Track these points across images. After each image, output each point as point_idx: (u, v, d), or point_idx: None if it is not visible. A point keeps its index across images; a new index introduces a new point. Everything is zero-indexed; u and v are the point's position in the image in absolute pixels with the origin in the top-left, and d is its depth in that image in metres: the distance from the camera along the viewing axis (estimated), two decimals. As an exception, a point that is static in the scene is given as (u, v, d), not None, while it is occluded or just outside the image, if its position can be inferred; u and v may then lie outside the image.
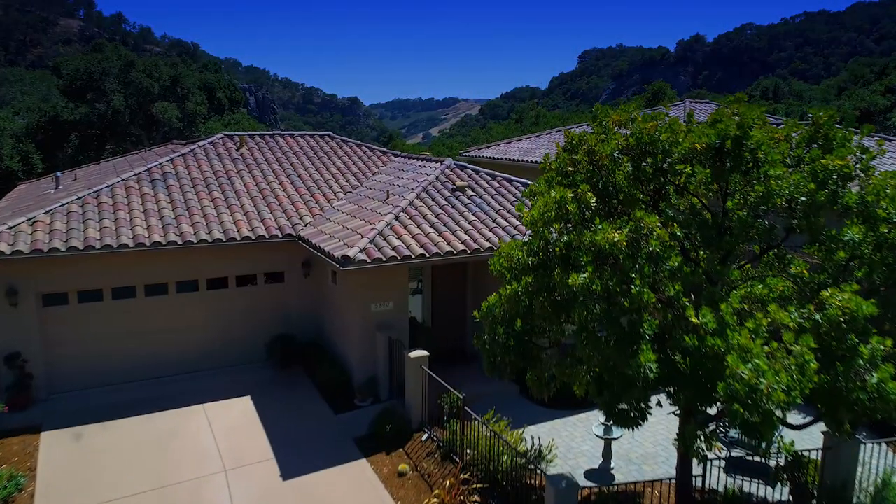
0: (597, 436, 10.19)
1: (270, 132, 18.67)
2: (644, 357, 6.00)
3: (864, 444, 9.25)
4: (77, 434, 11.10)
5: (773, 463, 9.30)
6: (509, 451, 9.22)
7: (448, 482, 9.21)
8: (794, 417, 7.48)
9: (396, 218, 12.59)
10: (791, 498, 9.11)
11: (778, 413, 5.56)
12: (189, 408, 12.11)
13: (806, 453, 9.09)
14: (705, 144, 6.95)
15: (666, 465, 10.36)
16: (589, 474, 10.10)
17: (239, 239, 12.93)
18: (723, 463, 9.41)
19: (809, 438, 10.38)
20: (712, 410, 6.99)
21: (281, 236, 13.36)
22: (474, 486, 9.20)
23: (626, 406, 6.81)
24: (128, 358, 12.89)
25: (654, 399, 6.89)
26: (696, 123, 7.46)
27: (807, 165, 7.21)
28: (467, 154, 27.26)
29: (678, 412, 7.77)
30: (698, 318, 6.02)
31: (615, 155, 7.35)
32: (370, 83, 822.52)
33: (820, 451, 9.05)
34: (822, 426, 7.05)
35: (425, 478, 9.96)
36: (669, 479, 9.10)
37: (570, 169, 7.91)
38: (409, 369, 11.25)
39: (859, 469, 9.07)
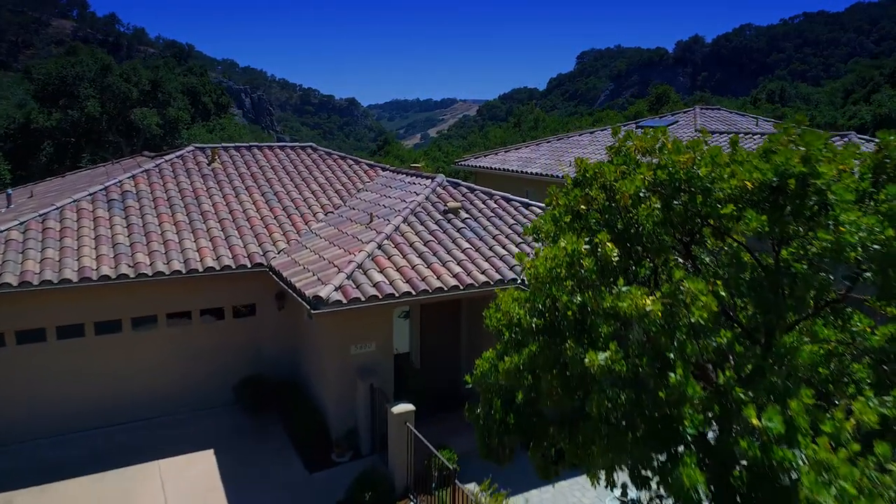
0: (611, 510, 8.70)
1: (247, 144, 17.13)
2: (687, 473, 4.49)
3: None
4: (6, 502, 9.57)
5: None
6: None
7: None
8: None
9: (379, 247, 11.08)
10: None
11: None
12: (142, 466, 10.57)
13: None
14: (758, 182, 5.46)
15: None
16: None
17: (201, 270, 11.40)
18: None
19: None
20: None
21: (250, 266, 11.84)
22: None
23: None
24: (75, 405, 11.35)
25: None
26: (740, 152, 5.95)
27: (882, 204, 5.72)
28: (463, 163, 25.78)
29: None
30: (761, 421, 4.53)
31: (641, 194, 5.85)
32: (368, 84, 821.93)
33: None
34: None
35: (409, 562, 8.45)
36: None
37: (582, 208, 6.41)
38: (392, 427, 9.74)
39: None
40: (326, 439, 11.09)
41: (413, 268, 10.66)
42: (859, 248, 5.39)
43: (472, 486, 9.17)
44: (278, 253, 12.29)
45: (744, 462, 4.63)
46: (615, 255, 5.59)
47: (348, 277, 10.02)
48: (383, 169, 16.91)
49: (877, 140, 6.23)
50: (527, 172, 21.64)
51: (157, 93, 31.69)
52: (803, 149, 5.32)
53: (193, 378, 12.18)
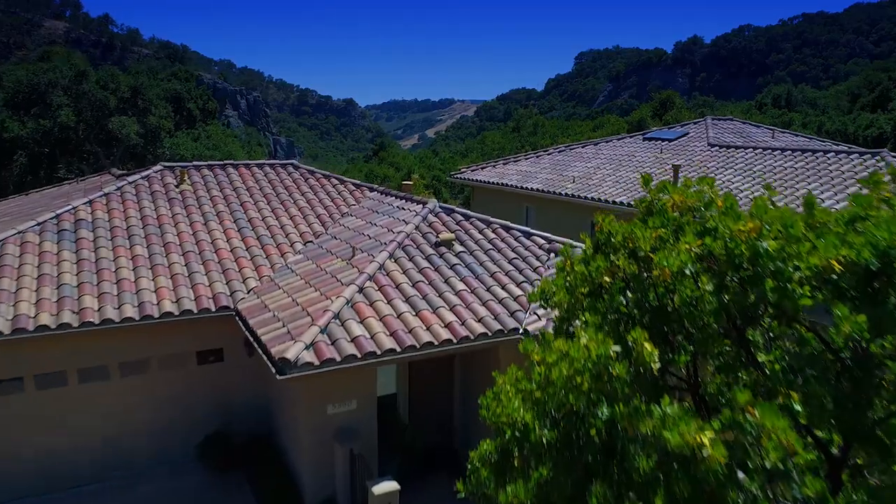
0: None
1: (221, 162, 15.67)
2: None
3: None
4: None
5: None
6: None
7: None
8: None
9: (361, 290, 9.66)
10: None
11: None
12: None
13: None
14: (848, 262, 4.06)
15: None
16: None
17: (157, 317, 9.97)
18: None
19: None
20: None
21: (214, 310, 10.41)
22: None
23: None
24: (9, 470, 9.91)
25: None
26: (819, 216, 4.53)
27: None
28: (460, 176, 24.38)
29: None
30: None
31: (687, 270, 4.44)
32: (366, 84, 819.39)
33: None
34: None
35: None
36: None
37: (606, 280, 5.00)
38: (372, 509, 8.33)
39: None
40: (301, 509, 9.69)
41: (399, 316, 9.24)
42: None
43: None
44: (248, 292, 10.85)
45: None
46: (655, 359, 4.17)
47: (322, 331, 8.59)
48: (370, 189, 15.48)
49: None
50: (527, 188, 20.24)
51: (138, 100, 30.12)
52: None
53: (151, 435, 10.74)
